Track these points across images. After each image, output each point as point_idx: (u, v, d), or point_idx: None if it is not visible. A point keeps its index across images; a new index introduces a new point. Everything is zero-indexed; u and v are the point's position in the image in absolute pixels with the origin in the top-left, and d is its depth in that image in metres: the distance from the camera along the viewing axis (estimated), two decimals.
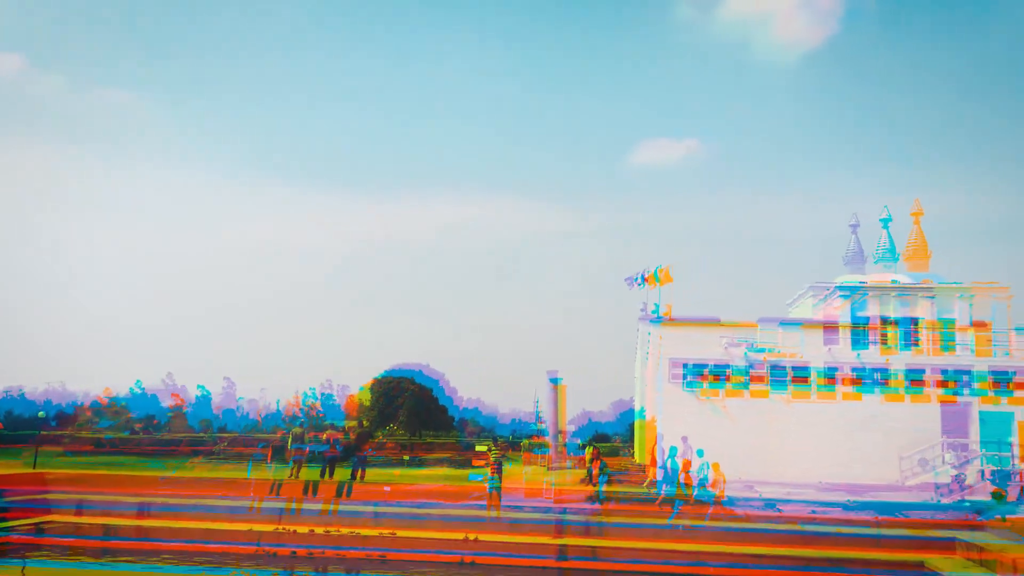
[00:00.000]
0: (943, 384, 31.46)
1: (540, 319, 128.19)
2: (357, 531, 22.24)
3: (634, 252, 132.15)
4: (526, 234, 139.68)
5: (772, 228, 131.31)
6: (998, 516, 22.37)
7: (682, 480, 23.44)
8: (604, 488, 24.45)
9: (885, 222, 37.95)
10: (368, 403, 56.48)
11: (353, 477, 26.79)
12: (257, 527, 22.69)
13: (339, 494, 24.87)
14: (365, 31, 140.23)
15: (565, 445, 49.23)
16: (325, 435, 30.51)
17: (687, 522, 22.54)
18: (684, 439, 28.89)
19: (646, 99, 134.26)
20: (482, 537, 21.71)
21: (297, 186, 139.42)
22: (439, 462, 37.44)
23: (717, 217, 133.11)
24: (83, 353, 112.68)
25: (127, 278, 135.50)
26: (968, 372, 31.50)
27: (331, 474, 27.51)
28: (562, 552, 21.30)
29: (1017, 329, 32.14)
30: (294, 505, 23.84)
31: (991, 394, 31.13)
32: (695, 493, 23.38)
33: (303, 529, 22.50)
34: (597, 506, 23.72)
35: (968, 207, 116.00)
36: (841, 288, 35.87)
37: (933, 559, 20.42)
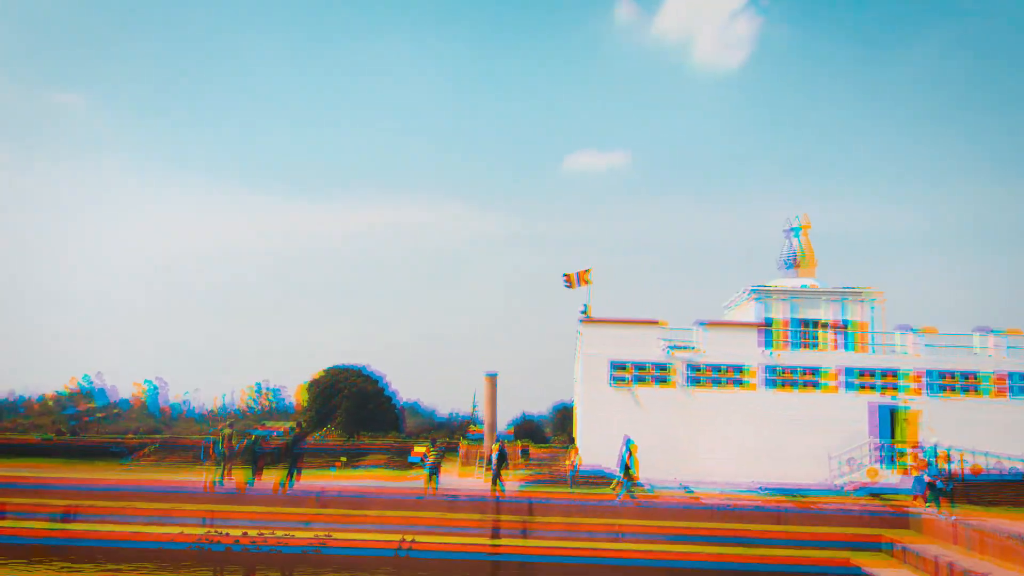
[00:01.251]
0: (871, 384, 33.71)
1: (481, 323, 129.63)
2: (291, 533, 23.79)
3: (574, 257, 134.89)
4: (466, 239, 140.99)
5: (709, 235, 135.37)
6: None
7: (631, 466, 25.88)
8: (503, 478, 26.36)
9: (796, 231, 40.94)
10: (306, 403, 56.78)
11: (290, 475, 27.02)
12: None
13: (277, 490, 25.73)
14: (302, 36, 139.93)
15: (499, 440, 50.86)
16: (282, 427, 30.98)
17: (635, 501, 24.90)
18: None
19: (580, 109, 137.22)
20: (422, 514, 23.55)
21: (257, 190, 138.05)
22: (378, 460, 38.65)
23: (653, 224, 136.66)
24: (4, 355, 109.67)
25: (49, 280, 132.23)
26: (894, 372, 33.87)
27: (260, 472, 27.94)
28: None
29: (914, 330, 34.74)
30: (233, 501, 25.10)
31: (912, 387, 33.46)
32: (628, 479, 25.77)
33: (236, 532, 23.91)
34: (497, 493, 25.59)
35: (856, 218, 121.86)
36: (754, 291, 38.58)
37: (859, 555, 22.73)
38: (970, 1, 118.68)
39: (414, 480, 30.01)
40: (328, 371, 58.10)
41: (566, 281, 35.70)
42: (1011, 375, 32.66)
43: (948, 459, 28.22)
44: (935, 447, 28.29)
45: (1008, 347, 33.12)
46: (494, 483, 25.89)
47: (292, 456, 27.26)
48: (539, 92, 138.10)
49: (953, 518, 21.67)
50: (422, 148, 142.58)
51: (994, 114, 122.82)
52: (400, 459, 37.86)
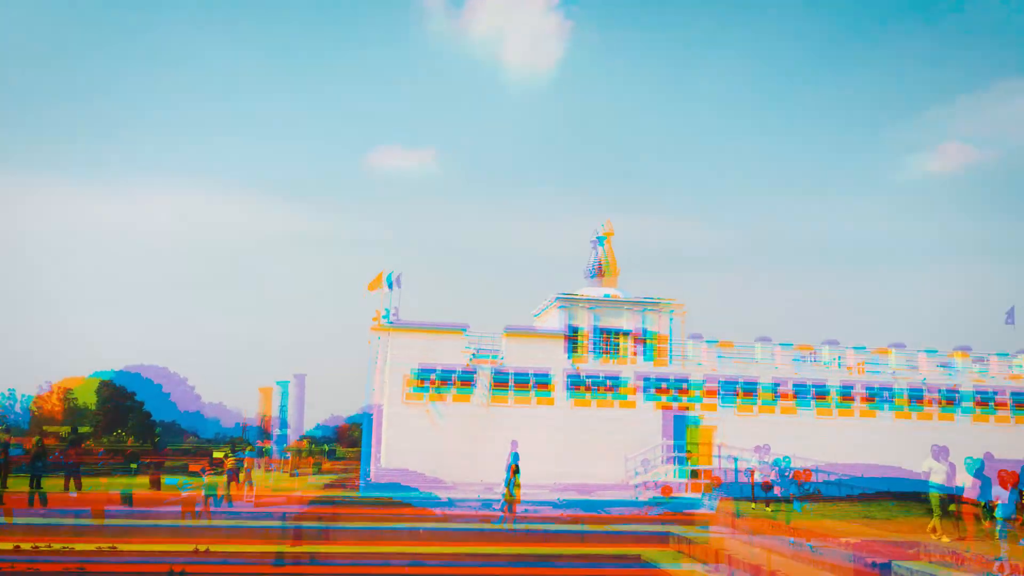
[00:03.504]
0: (667, 392, 34.27)
1: (286, 324, 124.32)
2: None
3: (379, 257, 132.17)
4: (269, 235, 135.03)
5: (518, 240, 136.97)
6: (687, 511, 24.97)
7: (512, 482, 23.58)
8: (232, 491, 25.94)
9: (600, 240, 41.25)
10: (93, 406, 51.90)
11: (67, 487, 25.55)
12: None
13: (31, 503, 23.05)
14: (97, 26, 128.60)
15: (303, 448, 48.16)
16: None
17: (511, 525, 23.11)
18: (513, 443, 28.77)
19: (383, 103, 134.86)
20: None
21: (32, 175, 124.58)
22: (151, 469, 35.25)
23: (462, 226, 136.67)
24: None
25: None
26: (686, 381, 34.55)
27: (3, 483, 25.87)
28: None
29: (712, 340, 35.86)
30: None
31: (704, 402, 34.44)
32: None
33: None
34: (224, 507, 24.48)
35: (662, 228, 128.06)
36: (559, 300, 38.46)
37: (649, 552, 22.52)
38: (776, 6, 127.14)
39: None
40: (114, 374, 53.39)
41: (370, 284, 33.95)
42: (796, 387, 34.28)
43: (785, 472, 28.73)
44: (788, 458, 28.68)
45: (793, 359, 34.78)
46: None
47: (33, 470, 24.81)
48: (341, 83, 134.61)
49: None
50: (220, 137, 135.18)
51: (794, 124, 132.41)
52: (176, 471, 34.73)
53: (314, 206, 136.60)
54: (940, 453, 17.00)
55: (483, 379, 32.61)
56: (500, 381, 32.73)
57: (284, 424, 47.67)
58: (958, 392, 35.36)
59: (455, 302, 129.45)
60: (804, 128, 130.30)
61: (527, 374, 33.00)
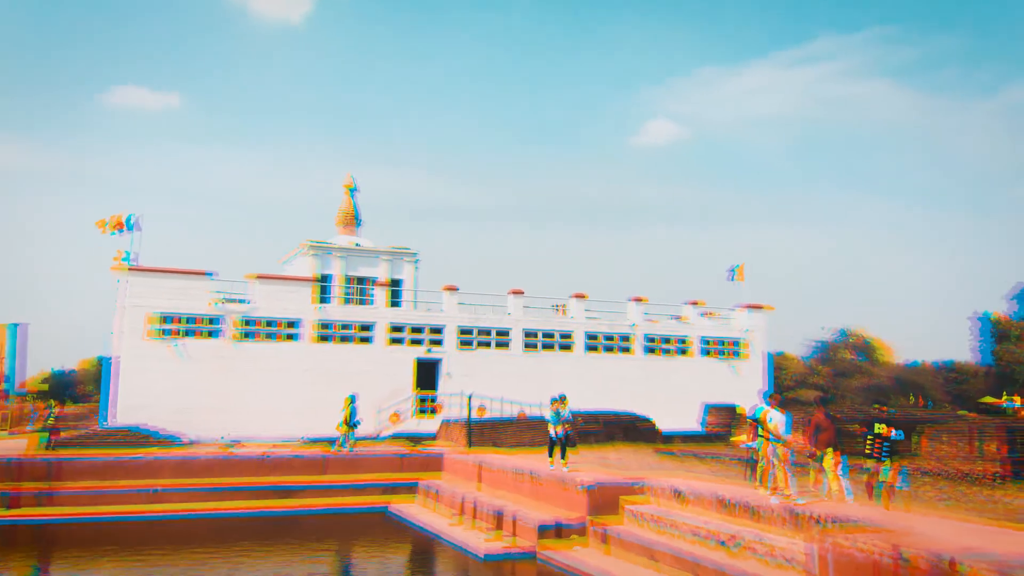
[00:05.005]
0: (413, 338, 35.98)
1: (8, 269, 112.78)
2: None
3: (119, 200, 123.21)
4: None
5: (269, 189, 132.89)
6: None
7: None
8: None
9: (352, 191, 42.57)
10: None
11: None
12: None
13: None
14: None
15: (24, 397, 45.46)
16: None
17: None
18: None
19: (127, 45, 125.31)
20: None
21: None
22: None
23: (208, 172, 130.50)
24: None
25: None
26: (435, 327, 36.53)
27: None
28: None
29: (460, 289, 38.16)
30: None
31: (473, 345, 36.54)
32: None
33: None
34: None
35: (412, 179, 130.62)
36: (311, 247, 39.43)
37: (391, 497, 24.45)
38: None
39: None
40: None
41: (105, 226, 32.70)
42: (525, 331, 37.60)
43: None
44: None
45: (525, 307, 38.09)
46: None
47: None
48: (79, 20, 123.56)
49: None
50: None
51: (535, 88, 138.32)
52: None
53: (54, 144, 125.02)
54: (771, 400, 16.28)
55: (229, 324, 32.74)
56: (247, 326, 33.03)
57: (12, 369, 44.72)
58: (678, 337, 40.17)
59: (204, 249, 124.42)
60: (549, 93, 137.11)
61: (277, 319, 33.52)
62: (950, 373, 59.79)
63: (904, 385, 51.94)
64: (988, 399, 59.17)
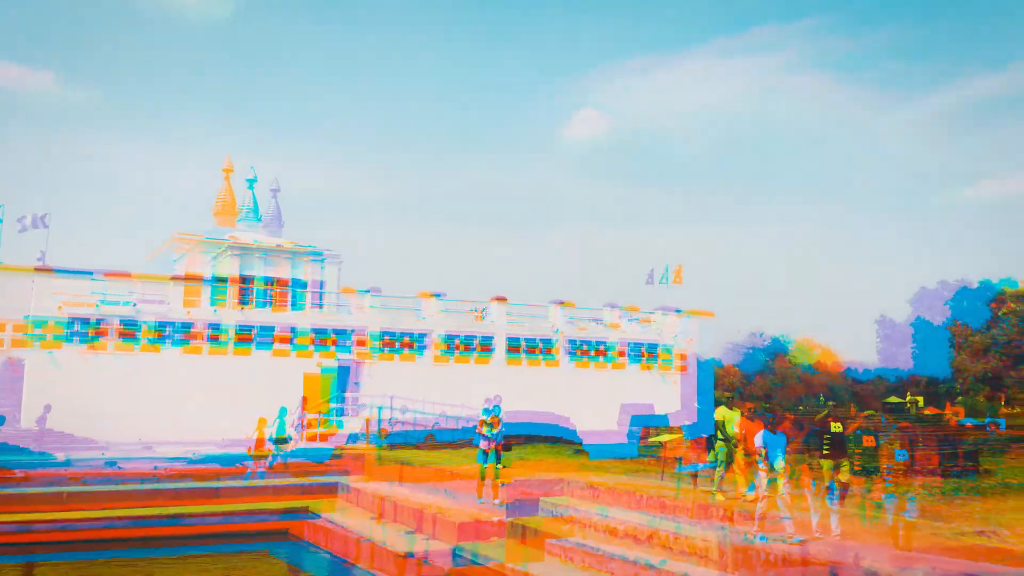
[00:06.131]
0: (321, 344, 33.16)
1: None
2: None
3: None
4: None
5: (159, 180, 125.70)
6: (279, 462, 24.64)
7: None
8: None
9: (251, 183, 39.26)
10: None
11: None
12: None
13: None
14: None
15: None
16: None
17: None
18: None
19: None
20: None
21: None
22: None
23: (86, 161, 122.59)
24: None
25: None
26: (341, 331, 33.74)
27: None
28: None
29: (368, 291, 35.44)
30: None
31: (384, 352, 33.91)
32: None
33: None
34: None
35: (327, 178, 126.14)
36: (206, 243, 36.01)
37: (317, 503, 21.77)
38: None
39: None
40: None
41: None
42: (442, 336, 35.23)
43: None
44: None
45: (442, 311, 35.71)
46: None
47: None
48: None
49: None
50: None
51: (461, 79, 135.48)
52: None
53: None
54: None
55: (113, 327, 29.43)
56: (130, 329, 29.75)
57: None
58: (604, 344, 38.33)
59: (91, 246, 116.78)
60: (470, 89, 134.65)
61: (162, 322, 30.36)
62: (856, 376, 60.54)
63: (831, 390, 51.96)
64: (893, 399, 60.30)
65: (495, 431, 17.49)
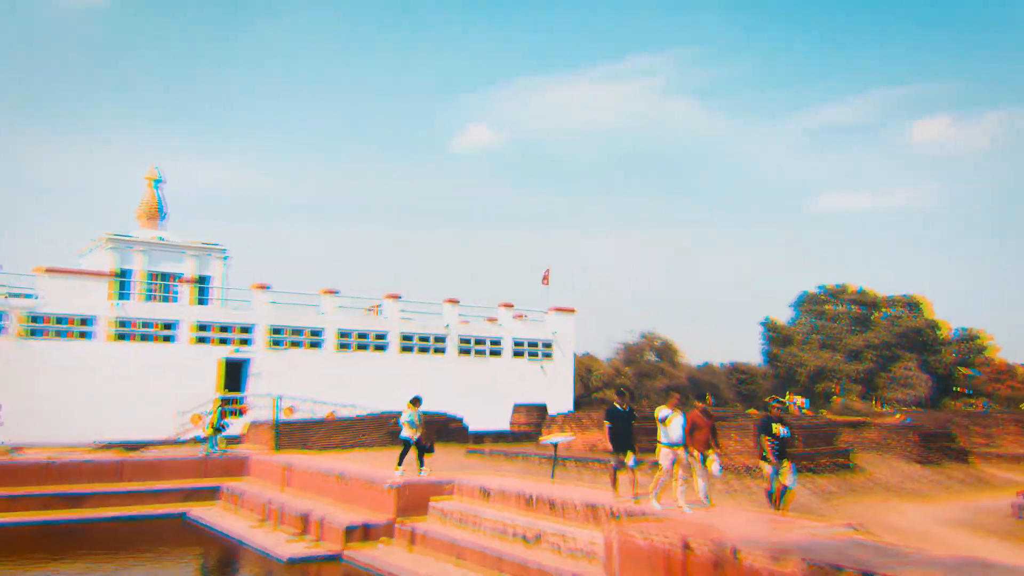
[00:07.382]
0: (220, 337, 34.60)
1: None
2: None
3: None
4: None
5: (65, 178, 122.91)
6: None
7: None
8: None
9: (156, 183, 40.57)
10: None
11: None
12: None
13: None
14: None
15: None
16: None
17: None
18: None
19: None
20: None
21: None
22: None
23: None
24: None
25: None
26: (241, 326, 35.25)
27: None
28: None
29: (269, 287, 37.05)
30: None
31: (258, 346, 35.44)
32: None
33: None
34: None
35: (227, 175, 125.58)
36: (111, 240, 37.23)
37: (191, 503, 23.29)
38: None
39: None
40: None
41: None
42: (339, 331, 37.24)
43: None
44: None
45: (339, 307, 37.72)
46: None
47: None
48: None
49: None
50: None
51: (361, 85, 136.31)
52: None
53: None
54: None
55: (14, 321, 30.47)
56: (34, 323, 30.86)
57: None
58: (499, 341, 41.06)
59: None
60: (374, 91, 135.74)
61: (70, 315, 31.53)
62: (739, 374, 64.69)
63: (698, 384, 55.52)
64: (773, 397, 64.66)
65: (418, 416, 19.50)
